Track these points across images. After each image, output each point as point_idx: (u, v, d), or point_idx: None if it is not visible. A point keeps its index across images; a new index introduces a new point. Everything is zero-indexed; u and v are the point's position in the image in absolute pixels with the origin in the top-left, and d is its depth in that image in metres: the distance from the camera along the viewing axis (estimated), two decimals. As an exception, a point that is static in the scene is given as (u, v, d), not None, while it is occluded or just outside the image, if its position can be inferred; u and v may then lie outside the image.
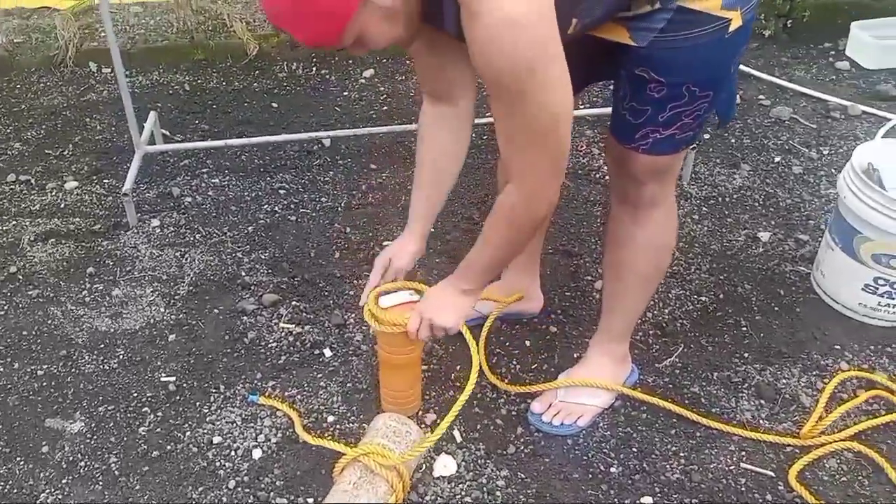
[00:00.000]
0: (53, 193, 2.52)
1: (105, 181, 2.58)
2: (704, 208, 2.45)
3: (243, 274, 2.20)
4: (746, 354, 1.95)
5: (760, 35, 3.38)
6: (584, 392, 1.77)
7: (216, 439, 1.71)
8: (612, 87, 1.51)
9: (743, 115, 2.92)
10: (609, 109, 1.57)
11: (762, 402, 1.82)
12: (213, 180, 2.60)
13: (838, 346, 1.96)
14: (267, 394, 1.82)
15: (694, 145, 1.56)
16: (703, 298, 2.11)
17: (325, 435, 1.71)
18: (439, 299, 1.56)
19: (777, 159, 2.68)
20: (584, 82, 1.61)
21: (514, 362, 1.92)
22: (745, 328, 2.02)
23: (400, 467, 1.48)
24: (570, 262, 2.24)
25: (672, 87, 1.39)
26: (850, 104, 2.93)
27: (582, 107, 2.81)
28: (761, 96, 3.04)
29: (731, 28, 1.34)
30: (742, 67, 3.15)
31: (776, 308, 2.08)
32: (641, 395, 1.79)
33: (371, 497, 1.44)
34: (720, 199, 2.50)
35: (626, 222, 1.63)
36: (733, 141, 2.78)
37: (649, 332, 2.00)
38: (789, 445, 1.71)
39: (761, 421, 1.78)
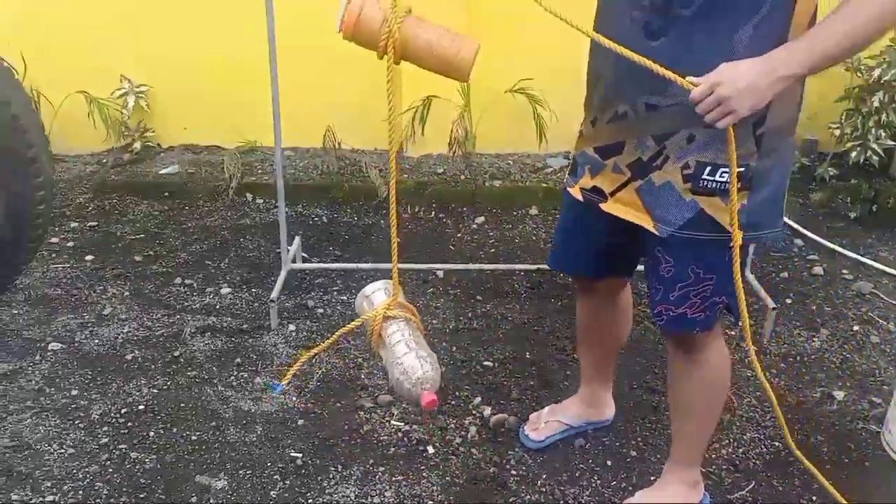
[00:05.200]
0: (211, 296, 2.99)
1: (253, 290, 3.04)
2: (783, 364, 2.65)
3: (362, 376, 2.54)
4: (815, 497, 2.10)
5: (847, 216, 3.65)
6: (661, 512, 1.96)
7: (333, 509, 2.00)
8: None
9: (825, 286, 3.14)
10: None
11: (827, 541, 1.96)
12: (342, 297, 3.01)
13: (904, 500, 2.09)
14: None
15: (707, 330, 1.74)
16: (777, 444, 2.29)
17: (426, 517, 1.97)
18: (743, 75, 1.39)
19: (856, 328, 2.87)
20: (611, 261, 1.88)
21: (596, 478, 2.14)
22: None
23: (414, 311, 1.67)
24: (652, 397, 2.47)
25: (679, 267, 1.62)
26: (929, 286, 3.12)
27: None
28: (844, 271, 3.26)
29: (732, 244, 1.53)
30: (827, 244, 3.42)
31: (845, 460, 2.23)
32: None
33: (424, 346, 1.64)
34: (798, 357, 2.69)
35: (681, 362, 1.85)
36: (814, 308, 3.00)
37: (722, 466, 2.19)
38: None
39: (825, 559, 1.91)
